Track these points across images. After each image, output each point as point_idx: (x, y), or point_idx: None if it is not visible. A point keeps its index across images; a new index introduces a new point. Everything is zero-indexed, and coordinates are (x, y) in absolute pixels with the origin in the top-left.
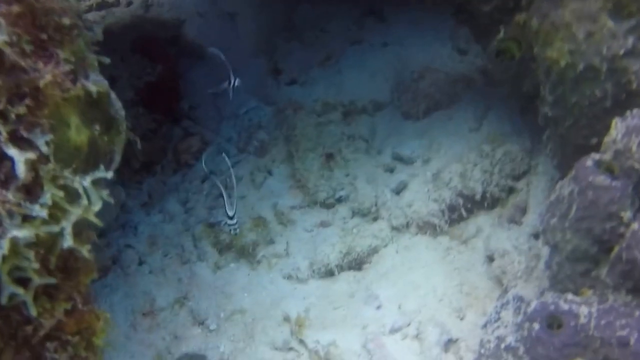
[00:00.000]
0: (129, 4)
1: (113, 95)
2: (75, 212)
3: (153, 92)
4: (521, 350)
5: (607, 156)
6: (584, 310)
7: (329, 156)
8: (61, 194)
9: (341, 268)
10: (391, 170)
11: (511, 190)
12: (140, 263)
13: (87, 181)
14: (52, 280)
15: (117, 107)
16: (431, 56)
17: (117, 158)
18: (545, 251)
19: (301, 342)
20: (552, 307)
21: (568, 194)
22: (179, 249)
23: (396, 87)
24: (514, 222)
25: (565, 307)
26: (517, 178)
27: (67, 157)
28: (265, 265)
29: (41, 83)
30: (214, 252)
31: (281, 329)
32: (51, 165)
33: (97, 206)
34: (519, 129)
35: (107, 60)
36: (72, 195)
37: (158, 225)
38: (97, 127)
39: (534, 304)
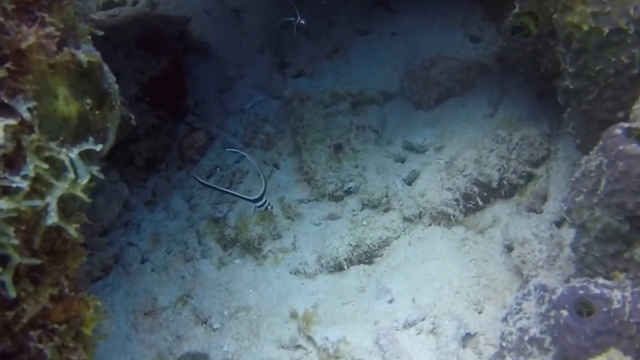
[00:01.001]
0: (134, 3)
1: (106, 67)
2: (61, 186)
3: (157, 88)
4: (547, 341)
5: (638, 124)
6: (616, 294)
7: (338, 147)
8: (45, 166)
9: (351, 262)
10: (402, 160)
11: (530, 177)
12: (143, 261)
13: (74, 153)
14: (35, 261)
15: (110, 80)
16: (442, 44)
17: (111, 136)
18: (570, 234)
19: (309, 339)
20: (581, 292)
21: (596, 167)
22: (182, 246)
23: (406, 76)
24: (533, 210)
25: (596, 291)
26: (535, 164)
27: (54, 129)
28: (272, 260)
29: (24, 45)
30: (218, 248)
31: (288, 326)
32: (35, 136)
33: (84, 180)
34: (536, 113)
35: (99, 32)
36: (58, 169)
37: (162, 223)
38: (88, 101)
39: (560, 290)
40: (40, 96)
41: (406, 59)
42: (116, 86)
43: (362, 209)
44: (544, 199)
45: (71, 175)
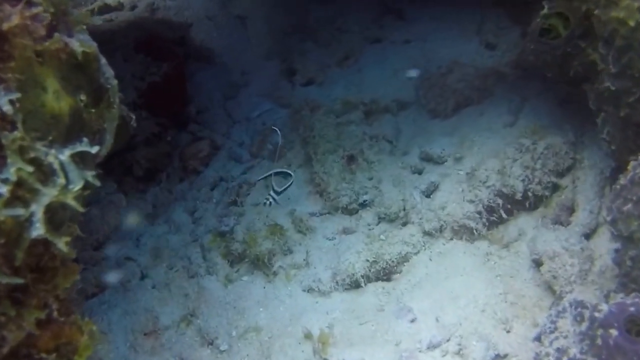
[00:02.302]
0: (133, 7)
1: (103, 60)
2: (49, 193)
3: (157, 94)
4: None
5: None
6: None
7: (351, 158)
8: (30, 168)
9: (368, 279)
10: (419, 172)
11: (555, 188)
12: (142, 277)
13: (65, 155)
14: (17, 280)
15: (108, 75)
16: (457, 52)
17: (109, 138)
18: (600, 247)
19: None
20: (632, 309)
21: None
22: (185, 261)
23: (421, 84)
24: (559, 223)
25: None
26: (561, 174)
27: (42, 127)
28: (283, 277)
29: (5, 26)
30: (224, 264)
31: (302, 348)
32: (18, 134)
33: (77, 186)
34: (559, 121)
35: (98, 21)
36: (46, 173)
37: (163, 237)
38: (83, 97)
39: (606, 308)
40: (26, 88)
41: (420, 67)
42: (115, 82)
43: (379, 222)
44: (570, 210)
45: (61, 181)
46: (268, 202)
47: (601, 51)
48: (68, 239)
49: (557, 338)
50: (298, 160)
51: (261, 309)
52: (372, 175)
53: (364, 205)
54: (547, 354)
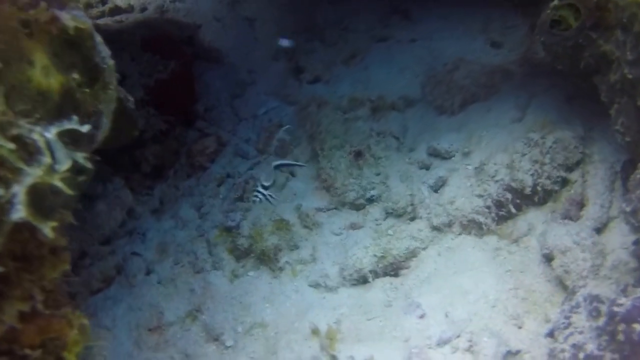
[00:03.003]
0: (142, 9)
1: (99, 38)
2: (33, 173)
3: (165, 91)
4: (608, 358)
5: None
6: None
7: (358, 154)
8: (12, 146)
9: (376, 274)
10: (427, 167)
11: (564, 182)
12: (148, 272)
13: (51, 133)
14: None
15: (104, 54)
16: (463, 50)
17: (106, 122)
18: (612, 241)
19: (333, 358)
20: None
21: None
22: (191, 256)
23: (428, 80)
24: (569, 217)
25: None
26: (570, 168)
27: (27, 103)
28: (289, 273)
29: None
30: (230, 259)
31: (309, 344)
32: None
33: (64, 166)
34: (567, 116)
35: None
36: (30, 152)
37: (169, 232)
38: (76, 76)
39: (629, 302)
40: (9, 60)
41: (427, 64)
42: (111, 62)
43: (386, 217)
44: (580, 205)
45: (47, 160)
46: (258, 199)
47: (619, 37)
48: (55, 224)
49: (572, 334)
50: (304, 157)
51: (267, 305)
52: (379, 170)
53: (371, 200)
54: (563, 350)
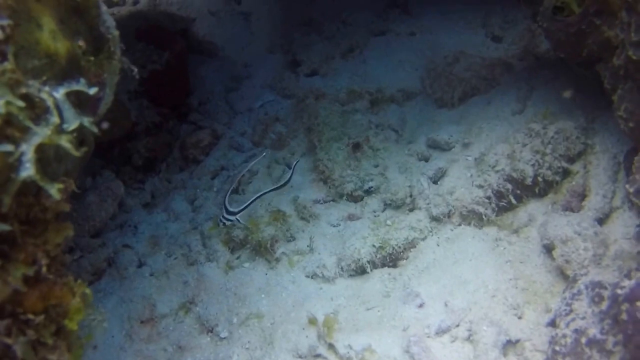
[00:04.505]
0: (135, 3)
1: (104, 8)
2: (41, 132)
3: (159, 83)
4: (610, 342)
5: None
6: None
7: (356, 146)
8: (21, 103)
9: (374, 264)
10: (426, 159)
11: (566, 173)
12: (140, 265)
13: (59, 93)
14: (4, 227)
15: (110, 24)
16: (463, 44)
17: (109, 93)
18: (615, 232)
19: (330, 347)
20: None
21: None
22: (185, 249)
23: (427, 73)
24: (570, 209)
25: None
26: (572, 159)
27: (35, 65)
28: (286, 264)
29: None
30: (225, 250)
31: (306, 333)
32: (8, 65)
33: (72, 125)
34: (569, 108)
35: None
36: (38, 111)
37: (161, 225)
38: (81, 43)
39: (633, 282)
40: (19, 20)
41: (426, 58)
42: (116, 32)
43: (384, 209)
44: (581, 196)
45: (55, 120)
46: (221, 224)
47: (623, 19)
48: (61, 186)
49: (573, 319)
50: (301, 149)
51: (263, 296)
52: (377, 162)
53: (369, 192)
54: (564, 336)
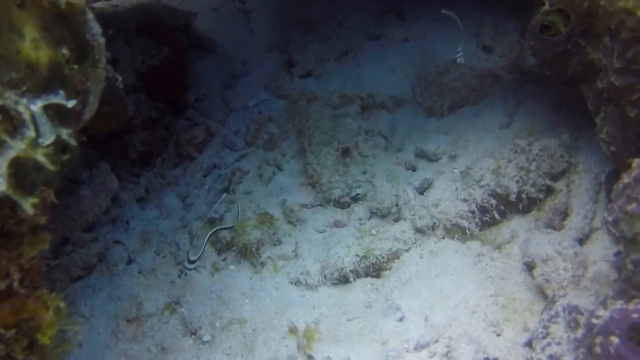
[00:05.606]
0: None
1: (90, 15)
2: (16, 146)
3: (157, 78)
4: None
5: None
6: None
7: (345, 151)
8: None
9: (357, 274)
10: (413, 168)
11: (549, 191)
12: (129, 262)
13: (36, 106)
14: None
15: (95, 31)
16: (454, 53)
17: (93, 100)
18: (594, 252)
19: (309, 358)
20: (635, 317)
21: None
22: (173, 247)
23: (418, 81)
24: (552, 227)
25: None
26: (555, 177)
27: (15, 75)
28: (270, 268)
29: None
30: (212, 251)
31: (286, 342)
32: None
33: (47, 140)
34: (554, 125)
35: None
36: (14, 124)
37: (153, 221)
38: (65, 51)
39: (607, 314)
40: (0, 29)
41: (418, 65)
42: (102, 39)
43: (370, 217)
44: (563, 215)
45: (30, 133)
46: (183, 274)
47: (607, 45)
48: (35, 200)
49: (549, 344)
50: (292, 151)
51: (247, 301)
52: (366, 169)
53: (356, 198)
54: None
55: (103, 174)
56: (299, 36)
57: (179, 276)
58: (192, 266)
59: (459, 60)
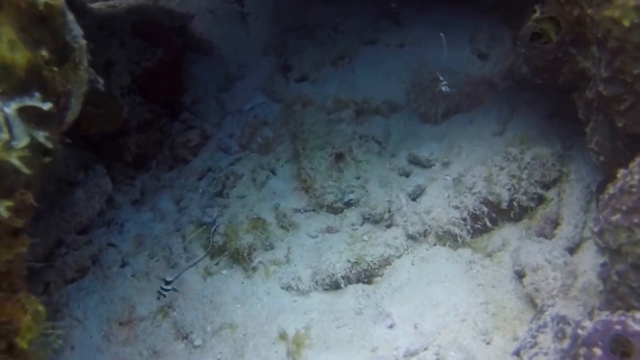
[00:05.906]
0: None
1: (71, 17)
2: None
3: (152, 80)
4: None
5: None
6: None
7: (339, 156)
8: None
9: (348, 280)
10: (407, 174)
11: (540, 200)
12: (123, 265)
13: (10, 108)
14: None
15: (76, 33)
16: (450, 59)
17: (75, 103)
18: (584, 262)
19: None
20: (618, 328)
21: (638, 182)
22: (167, 251)
23: (413, 87)
24: (543, 235)
25: (637, 327)
26: (547, 186)
27: None
28: (262, 273)
29: None
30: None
31: (276, 348)
32: None
33: (21, 143)
34: (547, 133)
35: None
36: None
37: (147, 224)
38: (44, 53)
39: (591, 325)
40: None
41: (413, 71)
42: (83, 42)
43: (363, 223)
44: (554, 224)
45: (4, 136)
46: (162, 296)
47: (594, 54)
48: (10, 204)
49: (536, 354)
50: (286, 155)
51: (238, 306)
52: (359, 174)
53: (349, 204)
54: None
55: (98, 176)
56: (295, 40)
57: (158, 298)
58: (169, 287)
59: (443, 89)
